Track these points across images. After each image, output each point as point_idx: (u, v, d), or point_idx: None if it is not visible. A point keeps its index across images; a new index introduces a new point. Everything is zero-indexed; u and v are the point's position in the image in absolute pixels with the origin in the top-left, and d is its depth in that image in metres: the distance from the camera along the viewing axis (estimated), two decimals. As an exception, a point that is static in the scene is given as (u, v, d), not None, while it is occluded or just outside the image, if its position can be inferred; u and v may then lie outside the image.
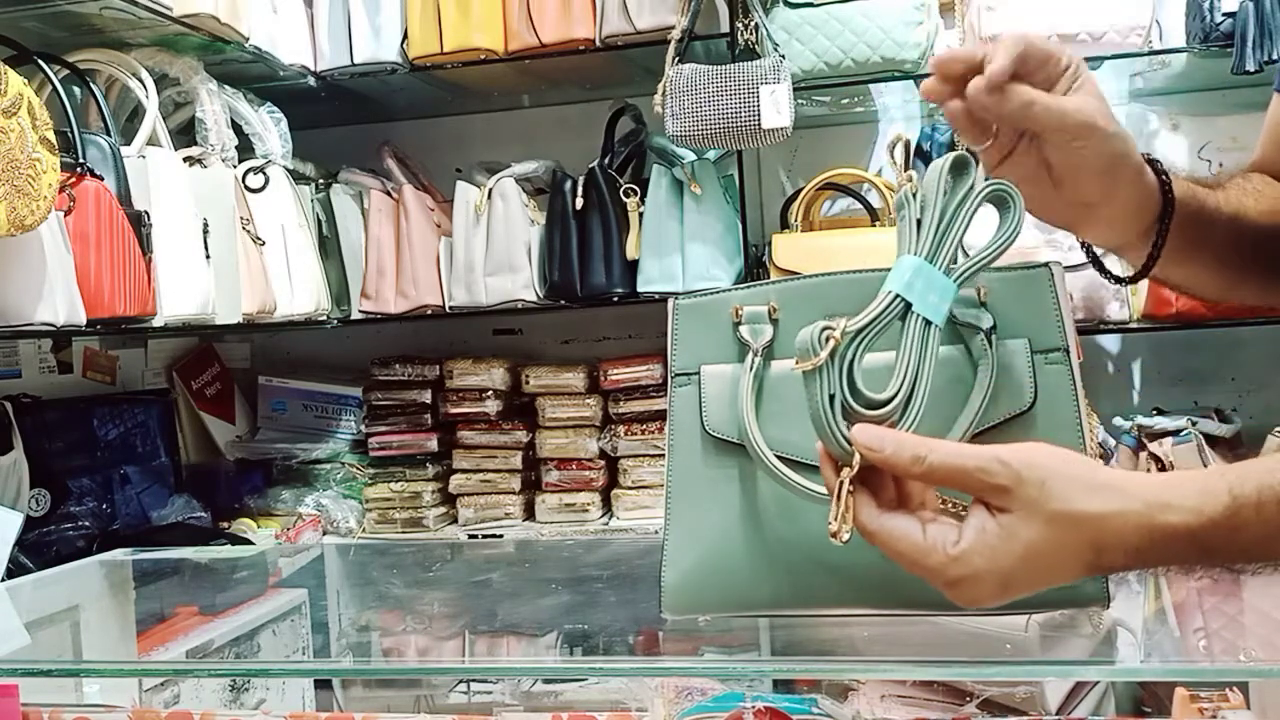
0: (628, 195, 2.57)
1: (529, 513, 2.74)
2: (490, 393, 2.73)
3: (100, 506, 2.32)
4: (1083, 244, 1.01)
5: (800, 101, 2.42)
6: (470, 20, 2.51)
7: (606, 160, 2.62)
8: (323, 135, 2.84)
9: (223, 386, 2.97)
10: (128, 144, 2.05)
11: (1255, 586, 1.13)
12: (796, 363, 0.74)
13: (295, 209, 2.53)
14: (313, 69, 2.60)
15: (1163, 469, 2.44)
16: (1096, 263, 1.02)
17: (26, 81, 1.65)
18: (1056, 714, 1.31)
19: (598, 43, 2.50)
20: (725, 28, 2.48)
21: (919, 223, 0.78)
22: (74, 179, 1.82)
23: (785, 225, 2.59)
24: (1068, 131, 0.85)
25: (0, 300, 1.69)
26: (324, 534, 2.72)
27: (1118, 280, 1.02)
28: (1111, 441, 2.51)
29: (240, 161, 2.39)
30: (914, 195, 0.78)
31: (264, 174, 2.42)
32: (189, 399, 2.86)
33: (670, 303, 0.96)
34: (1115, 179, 0.90)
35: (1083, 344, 0.92)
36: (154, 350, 2.80)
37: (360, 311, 2.73)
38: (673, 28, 2.41)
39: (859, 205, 2.62)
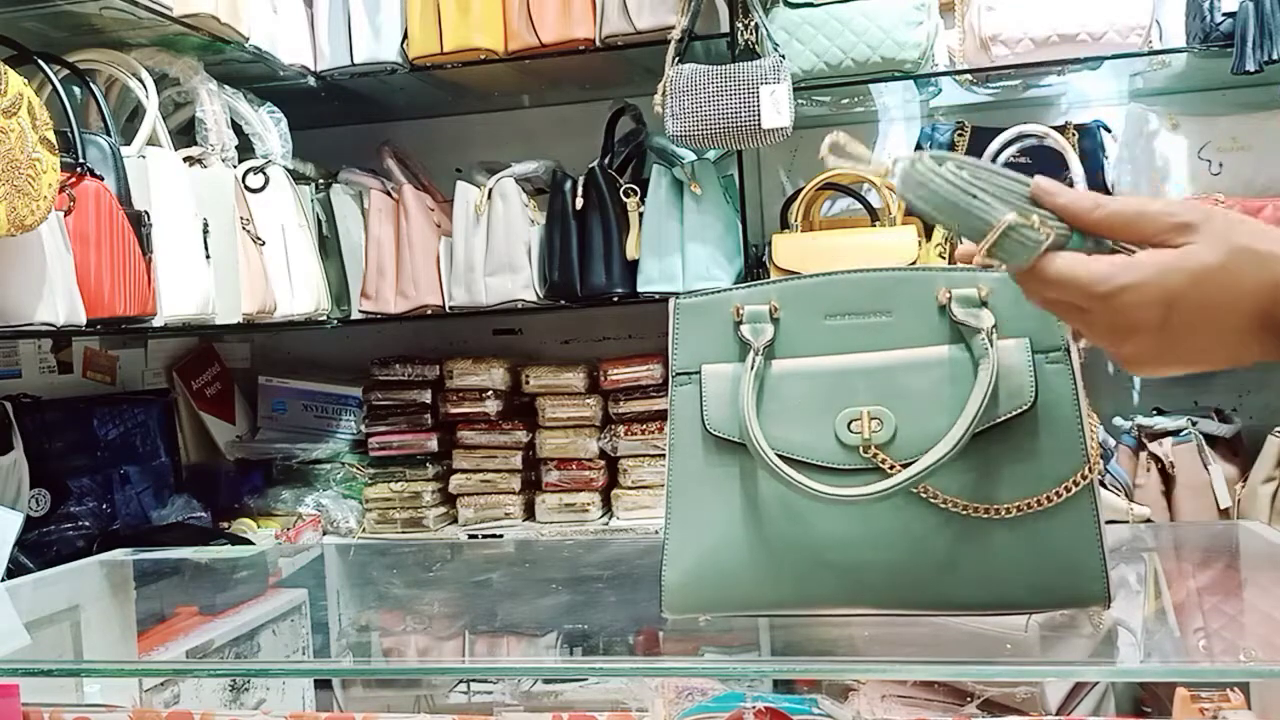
0: (628, 195, 2.57)
1: (529, 513, 2.74)
2: (490, 393, 2.73)
3: (100, 506, 2.32)
4: None
5: (800, 101, 2.42)
6: (470, 20, 2.51)
7: (606, 160, 2.62)
8: (323, 135, 2.84)
9: (223, 386, 2.97)
10: (128, 144, 2.05)
11: (1255, 586, 1.13)
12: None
13: (295, 209, 2.53)
14: (313, 69, 2.60)
15: (1163, 469, 2.44)
16: None
17: (26, 81, 1.65)
18: (1056, 714, 1.31)
19: (598, 43, 2.50)
20: (725, 28, 2.48)
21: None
22: (74, 179, 1.82)
23: (785, 225, 2.59)
24: None
25: (0, 300, 1.69)
26: (324, 534, 2.72)
27: None
28: (1111, 441, 2.51)
29: (240, 161, 2.39)
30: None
31: (264, 174, 2.42)
32: (189, 399, 2.86)
33: (671, 302, 0.96)
34: None
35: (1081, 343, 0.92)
36: (154, 350, 2.80)
37: (360, 311, 2.73)
38: (673, 28, 2.41)
39: (859, 205, 2.62)
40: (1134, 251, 0.71)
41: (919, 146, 2.70)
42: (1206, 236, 0.68)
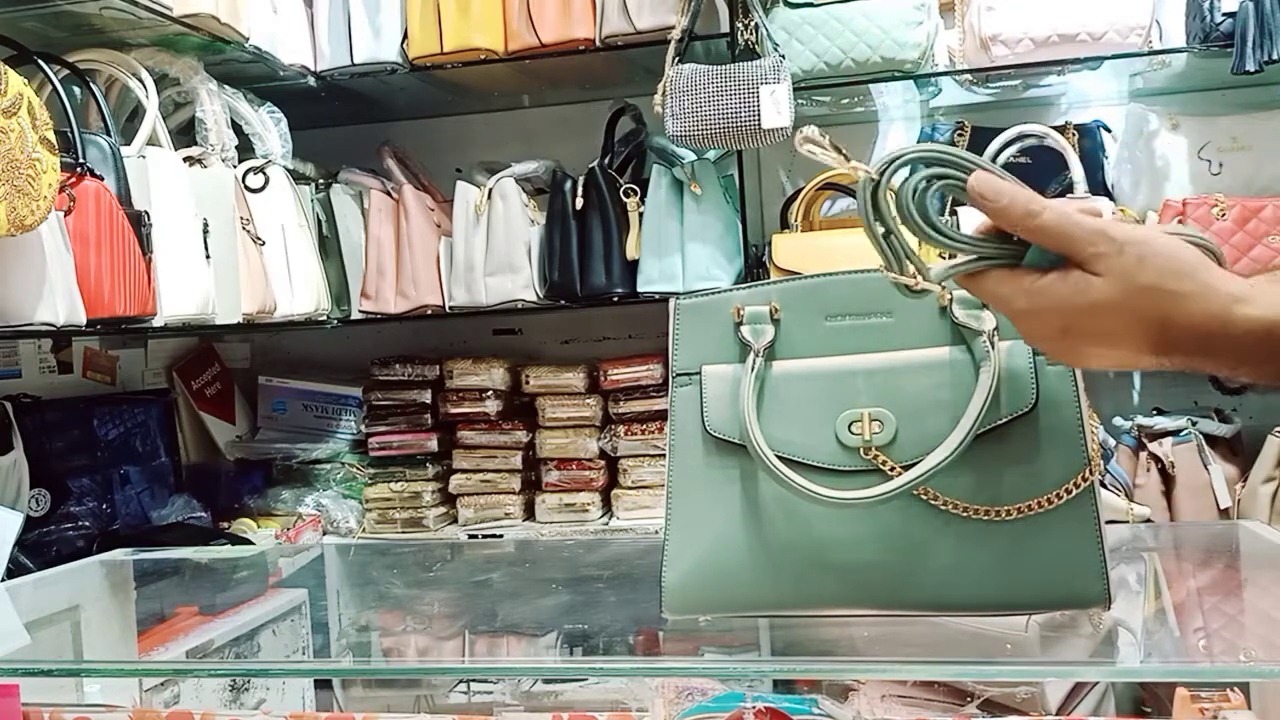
0: (628, 195, 2.57)
1: (529, 513, 2.74)
2: (490, 393, 2.73)
3: (100, 506, 2.32)
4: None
5: (800, 101, 2.42)
6: (470, 20, 2.51)
7: (606, 160, 2.62)
8: (323, 135, 2.84)
9: (223, 386, 2.97)
10: (128, 144, 2.05)
11: (1255, 586, 1.13)
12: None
13: (295, 209, 2.53)
14: (313, 69, 2.60)
15: (1163, 469, 2.44)
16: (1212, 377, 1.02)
17: (26, 81, 1.65)
18: (1056, 714, 1.31)
19: (598, 43, 2.50)
20: (725, 28, 2.48)
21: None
22: (74, 179, 1.82)
23: (785, 225, 2.60)
24: None
25: (0, 300, 1.69)
26: (324, 534, 2.72)
27: (1231, 391, 1.02)
28: (1111, 441, 2.51)
29: (240, 161, 2.39)
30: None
31: (264, 174, 2.42)
32: (189, 399, 2.86)
33: (671, 303, 0.96)
34: None
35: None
36: (154, 350, 2.80)
37: (360, 311, 2.73)
38: (673, 28, 2.41)
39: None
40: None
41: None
42: (1114, 271, 0.74)
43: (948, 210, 2.54)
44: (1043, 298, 0.76)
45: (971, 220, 2.57)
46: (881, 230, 0.79)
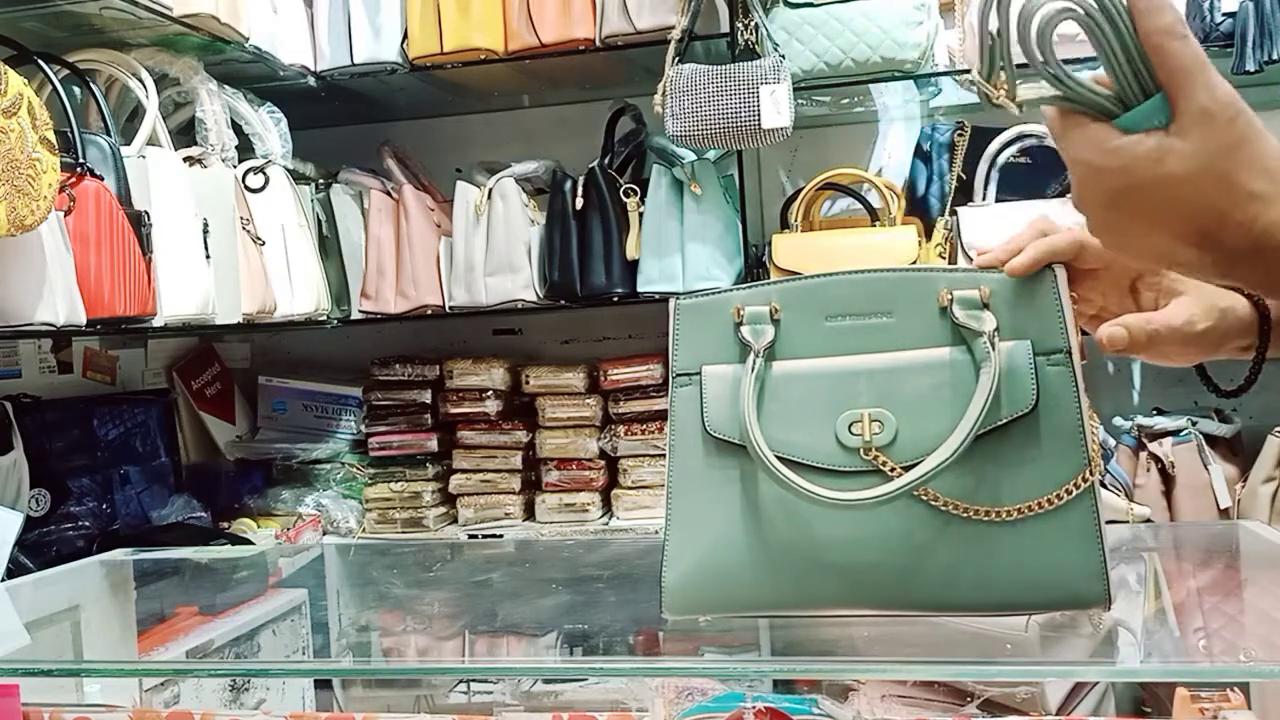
0: (628, 195, 2.57)
1: (529, 513, 2.74)
2: (490, 393, 2.73)
3: (100, 506, 2.32)
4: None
5: (800, 101, 2.42)
6: (470, 20, 2.51)
7: (606, 160, 2.62)
8: (323, 135, 2.84)
9: (223, 386, 2.97)
10: (128, 144, 2.05)
11: (1255, 586, 1.13)
12: None
13: (295, 209, 2.53)
14: (313, 69, 2.60)
15: (1163, 469, 2.44)
16: (1206, 379, 1.03)
17: (26, 81, 1.65)
18: (1057, 714, 1.31)
19: (598, 43, 2.50)
20: (725, 28, 2.48)
21: None
22: (74, 179, 1.82)
23: (785, 225, 2.60)
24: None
25: (0, 300, 1.69)
26: (324, 534, 2.72)
27: (1227, 394, 1.02)
28: (1111, 441, 2.51)
29: (240, 161, 2.39)
30: None
31: (264, 174, 2.42)
32: (189, 399, 2.86)
33: (671, 303, 0.96)
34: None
35: (1083, 344, 0.92)
36: (154, 350, 2.80)
37: (360, 311, 2.73)
38: (673, 28, 2.41)
39: (859, 205, 2.62)
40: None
41: (919, 147, 2.70)
42: (1201, 146, 0.72)
43: (948, 211, 2.54)
44: (1115, 154, 0.74)
45: (973, 218, 2.56)
46: (994, 34, 0.78)
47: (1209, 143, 0.71)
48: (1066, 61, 0.83)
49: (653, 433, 2.63)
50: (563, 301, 2.61)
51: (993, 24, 0.79)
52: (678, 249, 2.52)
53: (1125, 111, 0.75)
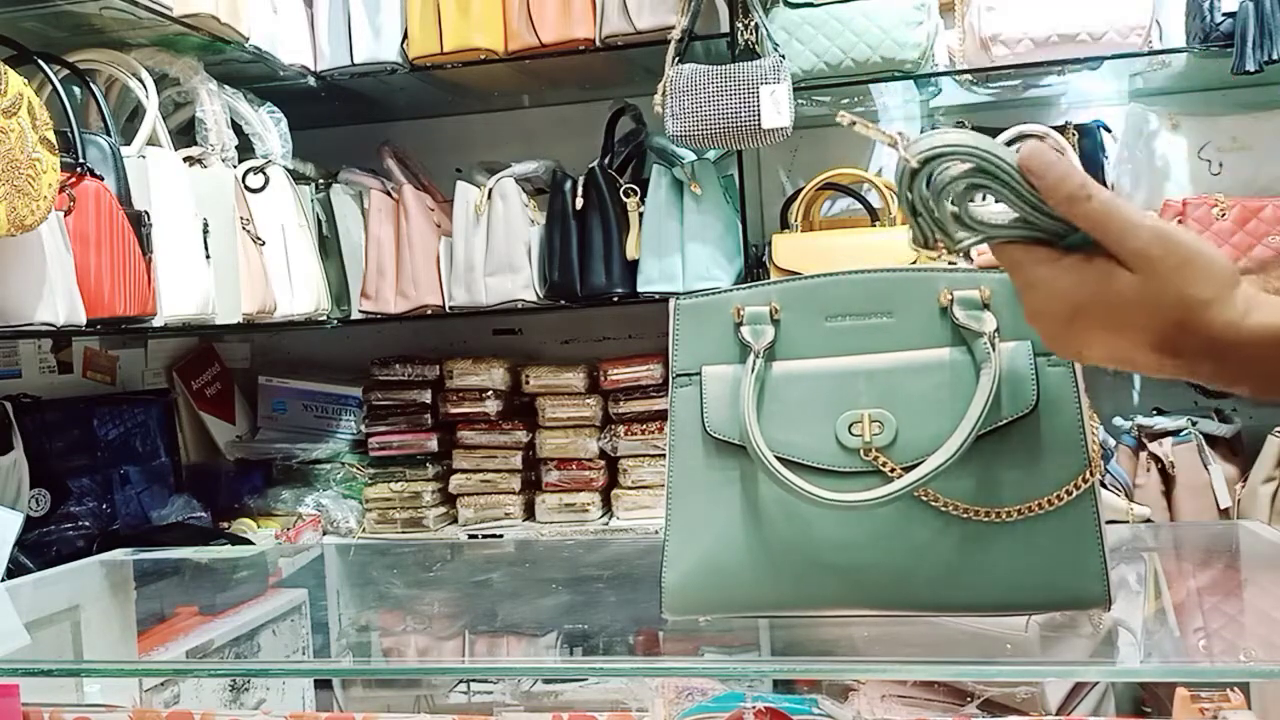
0: (628, 195, 2.57)
1: (529, 513, 2.74)
2: (490, 393, 2.73)
3: (100, 506, 2.32)
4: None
5: (800, 101, 2.42)
6: (470, 20, 2.51)
7: (606, 160, 2.62)
8: (323, 135, 2.84)
9: (223, 386, 2.97)
10: (128, 144, 2.05)
11: (1255, 586, 1.13)
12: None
13: (295, 209, 2.53)
14: (313, 69, 2.60)
15: (1163, 469, 2.44)
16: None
17: (26, 81, 1.65)
18: (1057, 714, 1.31)
19: (598, 43, 2.50)
20: (725, 28, 2.48)
21: None
22: (74, 179, 1.82)
23: (785, 225, 2.59)
24: None
25: (0, 300, 1.69)
26: (324, 534, 2.72)
27: (1216, 394, 1.03)
28: (1111, 442, 2.51)
29: (240, 161, 2.39)
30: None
31: (264, 174, 2.42)
32: (189, 399, 2.86)
33: (671, 303, 0.96)
34: None
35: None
36: (154, 350, 2.80)
37: (360, 311, 2.73)
38: (673, 28, 2.41)
39: (859, 205, 2.62)
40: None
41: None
42: (1149, 272, 0.73)
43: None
44: (1064, 275, 0.75)
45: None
46: (910, 209, 0.78)
47: (1154, 271, 0.73)
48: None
49: (653, 433, 2.63)
50: (563, 301, 2.61)
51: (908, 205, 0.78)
52: (678, 249, 2.52)
53: (1054, 234, 0.76)
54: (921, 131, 2.72)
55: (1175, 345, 0.74)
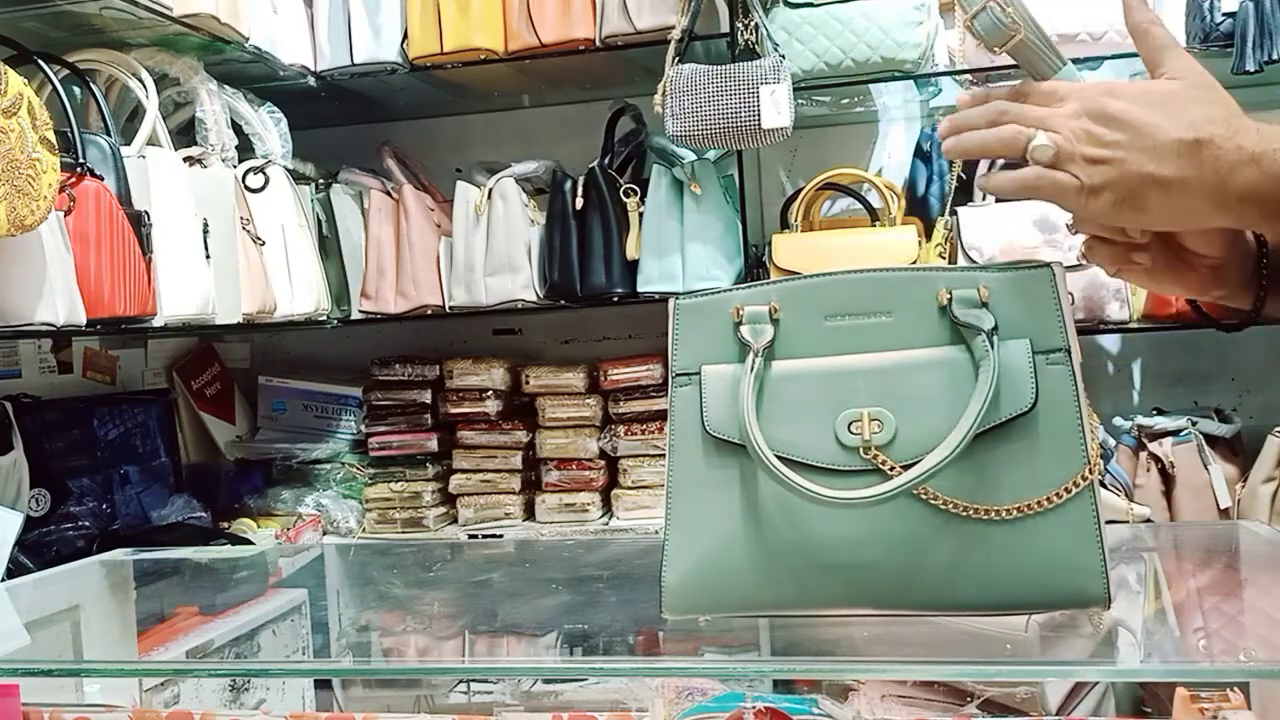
0: (628, 195, 2.57)
1: (529, 513, 2.74)
2: (490, 393, 2.73)
3: (100, 506, 2.32)
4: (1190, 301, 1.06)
5: (800, 101, 2.42)
6: (470, 20, 2.51)
7: (606, 160, 2.62)
8: (323, 135, 2.84)
9: (223, 386, 2.97)
10: (128, 144, 2.05)
11: (1255, 586, 1.13)
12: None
13: (295, 209, 2.53)
14: (313, 69, 2.60)
15: (1163, 469, 2.44)
16: (1205, 316, 1.05)
17: (26, 81, 1.65)
18: (1057, 714, 1.31)
19: (598, 43, 2.50)
20: (725, 28, 2.48)
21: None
22: (74, 179, 1.82)
23: (785, 225, 2.60)
24: None
25: (0, 300, 1.69)
26: (324, 534, 2.72)
27: (1232, 328, 1.05)
28: (1111, 441, 2.51)
29: (240, 161, 2.39)
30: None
31: (264, 174, 2.42)
32: (189, 399, 2.86)
33: (671, 303, 0.96)
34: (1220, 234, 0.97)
35: (1083, 344, 0.93)
36: (154, 350, 2.80)
37: (360, 311, 2.73)
38: (673, 28, 2.41)
39: (859, 205, 2.62)
40: None
41: (919, 147, 2.70)
42: (1190, 78, 0.88)
43: (948, 211, 2.54)
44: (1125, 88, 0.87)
45: (973, 218, 2.55)
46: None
47: (1199, 77, 0.88)
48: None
49: (653, 433, 2.63)
50: (563, 301, 2.61)
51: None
52: (678, 249, 2.52)
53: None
54: (921, 132, 2.72)
55: (1216, 158, 0.84)
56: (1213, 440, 2.46)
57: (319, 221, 2.74)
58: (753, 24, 2.41)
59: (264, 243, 2.38)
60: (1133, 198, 0.85)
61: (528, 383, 2.73)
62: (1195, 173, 0.84)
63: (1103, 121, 0.86)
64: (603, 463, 2.69)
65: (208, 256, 2.13)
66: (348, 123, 2.96)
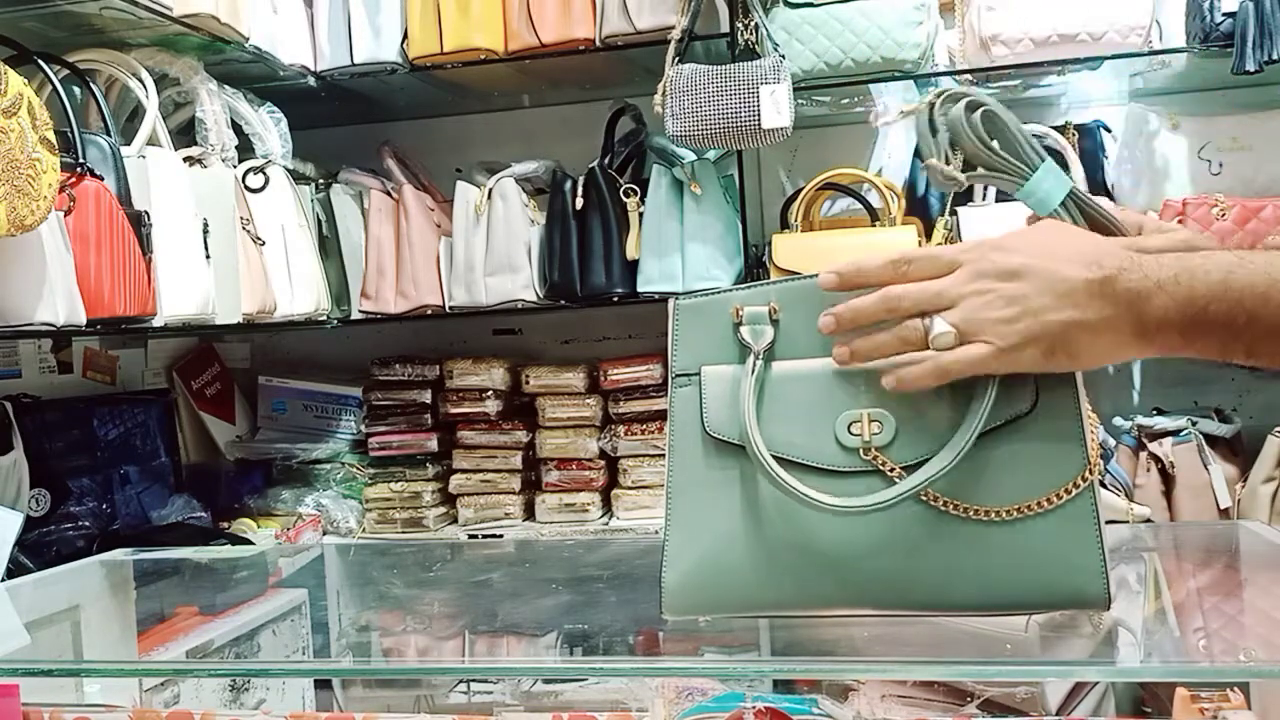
0: (628, 195, 2.57)
1: (529, 513, 2.74)
2: (490, 393, 2.73)
3: (100, 506, 2.32)
4: None
5: (800, 101, 2.42)
6: (470, 20, 2.51)
7: (606, 160, 2.62)
8: (323, 135, 2.84)
9: (223, 386, 2.97)
10: (128, 144, 2.05)
11: (1255, 586, 1.13)
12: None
13: (295, 209, 2.53)
14: (313, 69, 2.60)
15: (1163, 469, 2.44)
16: None
17: (26, 81, 1.65)
18: (1056, 714, 1.31)
19: (598, 43, 2.50)
20: (725, 28, 2.48)
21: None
22: (74, 179, 1.82)
23: (785, 225, 2.60)
24: None
25: (0, 300, 1.69)
26: (324, 534, 2.72)
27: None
28: (1111, 442, 2.51)
29: (240, 161, 2.39)
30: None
31: (264, 174, 2.42)
32: (189, 399, 2.86)
33: (671, 303, 0.96)
34: None
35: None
36: (154, 350, 2.80)
37: (360, 311, 2.73)
38: (673, 28, 2.41)
39: (859, 205, 2.62)
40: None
41: (919, 147, 2.69)
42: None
43: (948, 211, 2.54)
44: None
45: (973, 218, 2.56)
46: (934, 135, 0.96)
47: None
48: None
49: (653, 433, 2.63)
50: (563, 301, 2.61)
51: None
52: (678, 249, 2.52)
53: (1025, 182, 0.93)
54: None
55: (1104, 262, 0.83)
56: (1213, 440, 2.46)
57: (319, 221, 2.74)
58: (753, 24, 2.41)
59: (264, 243, 2.38)
60: (1063, 345, 0.84)
61: (528, 383, 2.73)
62: (1113, 310, 0.83)
63: (1005, 278, 0.84)
64: (603, 463, 2.69)
65: (208, 256, 2.13)
66: (348, 123, 2.96)
